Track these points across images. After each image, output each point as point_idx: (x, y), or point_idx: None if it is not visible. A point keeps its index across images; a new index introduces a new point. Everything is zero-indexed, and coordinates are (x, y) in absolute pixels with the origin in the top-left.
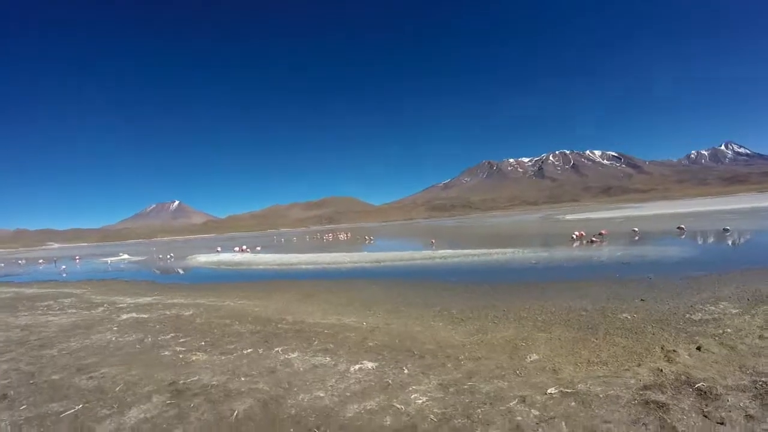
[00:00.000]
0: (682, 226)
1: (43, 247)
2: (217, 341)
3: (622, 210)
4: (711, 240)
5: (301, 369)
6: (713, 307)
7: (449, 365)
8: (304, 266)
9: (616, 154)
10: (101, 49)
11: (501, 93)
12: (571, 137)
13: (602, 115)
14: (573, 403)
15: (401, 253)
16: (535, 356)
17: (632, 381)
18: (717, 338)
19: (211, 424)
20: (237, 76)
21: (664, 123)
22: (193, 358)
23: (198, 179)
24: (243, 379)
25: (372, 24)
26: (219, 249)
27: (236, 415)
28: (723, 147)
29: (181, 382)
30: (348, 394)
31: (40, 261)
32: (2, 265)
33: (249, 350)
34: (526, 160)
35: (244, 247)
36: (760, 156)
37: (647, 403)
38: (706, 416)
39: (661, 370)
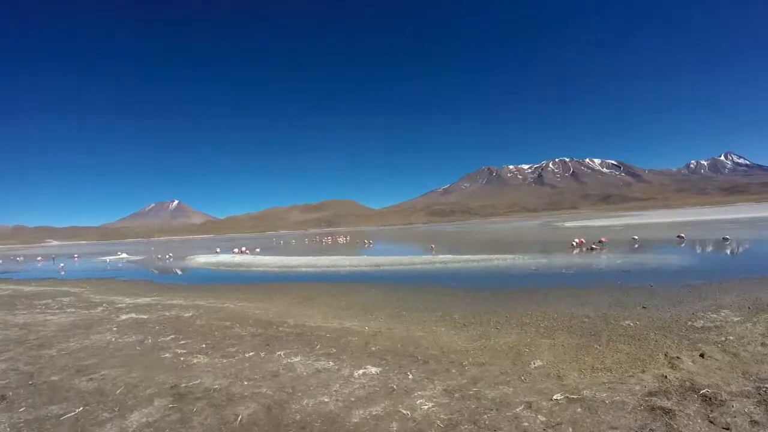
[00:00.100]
0: (682, 234)
1: (42, 244)
2: (218, 344)
3: (622, 218)
4: (711, 249)
5: (305, 373)
6: (715, 315)
7: (453, 371)
8: (303, 269)
9: (615, 163)
10: (102, 48)
11: (501, 99)
12: (570, 145)
13: (602, 124)
14: (579, 409)
15: (401, 258)
16: (539, 362)
17: (637, 387)
18: (719, 345)
19: (214, 429)
20: (237, 77)
21: (663, 132)
22: (195, 360)
23: (197, 179)
24: (246, 383)
25: (372, 25)
26: (218, 250)
27: (240, 420)
28: (722, 157)
29: (183, 385)
30: (353, 399)
31: (39, 258)
32: (0, 261)
33: (251, 353)
34: (525, 166)
35: (244, 248)
36: (760, 167)
37: (653, 409)
38: (711, 422)
39: (666, 377)
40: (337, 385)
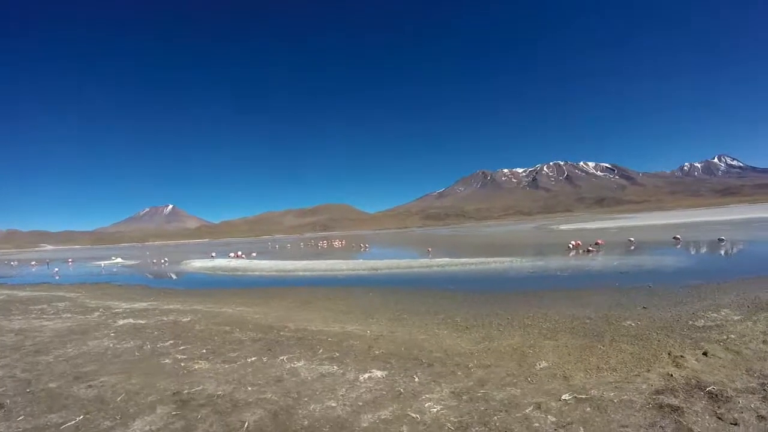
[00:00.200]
0: (678, 236)
1: (36, 248)
2: (218, 349)
3: (616, 221)
4: (707, 250)
5: (309, 378)
6: (715, 314)
7: (459, 373)
8: (300, 273)
9: (609, 166)
10: (97, 50)
11: (496, 102)
12: (565, 148)
13: (596, 127)
14: (588, 409)
15: (398, 261)
16: (544, 363)
17: (644, 386)
18: (722, 344)
19: None
20: (232, 80)
21: (657, 135)
22: (196, 366)
23: (192, 183)
24: (250, 388)
25: (369, 29)
26: (214, 254)
27: (247, 427)
28: (716, 159)
29: (186, 391)
30: (360, 403)
31: (33, 263)
32: None
33: (253, 358)
34: (520, 170)
35: (240, 252)
36: (753, 169)
37: (661, 406)
38: (719, 418)
39: (671, 375)
40: (344, 390)
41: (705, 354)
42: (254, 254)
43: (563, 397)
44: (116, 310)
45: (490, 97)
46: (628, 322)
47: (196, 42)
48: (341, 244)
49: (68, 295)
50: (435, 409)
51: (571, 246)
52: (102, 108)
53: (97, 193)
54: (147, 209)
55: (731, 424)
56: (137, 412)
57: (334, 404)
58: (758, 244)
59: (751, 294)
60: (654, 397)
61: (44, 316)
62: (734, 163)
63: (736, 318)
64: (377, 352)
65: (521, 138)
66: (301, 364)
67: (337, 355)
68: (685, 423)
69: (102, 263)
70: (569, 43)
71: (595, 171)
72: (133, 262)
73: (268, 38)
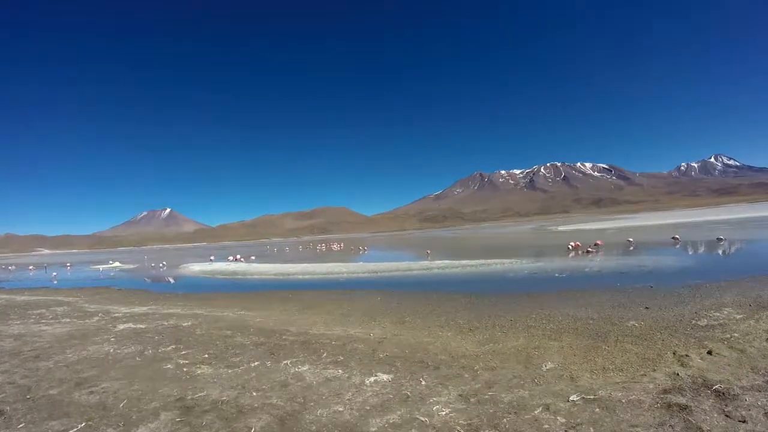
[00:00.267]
0: (677, 236)
1: (33, 252)
2: (220, 354)
3: (614, 221)
4: (706, 249)
5: (314, 382)
6: (717, 313)
7: (466, 375)
8: (300, 276)
9: (606, 166)
10: (95, 53)
11: (493, 104)
12: (562, 149)
13: (594, 127)
14: (597, 409)
15: (397, 264)
16: (550, 364)
17: (651, 386)
18: (726, 342)
19: None
20: (229, 84)
21: (654, 135)
22: (198, 371)
23: (189, 187)
24: (254, 393)
25: (367, 31)
26: (212, 258)
27: None
28: (713, 159)
29: (189, 397)
30: (368, 407)
31: (31, 267)
32: None
33: (256, 363)
34: (517, 171)
35: (238, 256)
36: (750, 168)
37: (670, 406)
38: (727, 416)
39: (678, 374)
40: (350, 394)
41: (710, 353)
42: (253, 257)
43: (571, 398)
44: (116, 315)
45: (487, 99)
46: (632, 323)
47: (194, 45)
48: (340, 247)
49: (67, 299)
50: (444, 412)
51: (570, 247)
52: (99, 111)
53: (94, 197)
54: (144, 213)
55: (739, 421)
56: (140, 418)
57: (341, 409)
58: (757, 243)
59: (752, 293)
60: (662, 396)
61: (43, 321)
62: (731, 162)
63: (738, 317)
64: (382, 355)
65: (518, 139)
66: (305, 368)
67: (342, 358)
68: (694, 421)
69: (100, 267)
70: (566, 45)
71: (592, 172)
72: (131, 266)
73: (267, 41)
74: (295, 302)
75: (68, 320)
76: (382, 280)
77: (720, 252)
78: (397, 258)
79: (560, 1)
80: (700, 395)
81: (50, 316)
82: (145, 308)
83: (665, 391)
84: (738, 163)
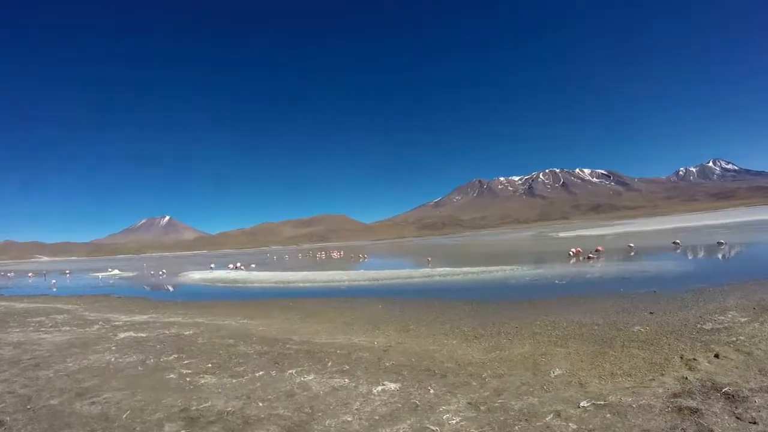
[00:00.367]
0: (678, 240)
1: (32, 260)
2: (224, 363)
3: (613, 227)
4: (707, 253)
5: (321, 392)
6: (722, 317)
7: (474, 383)
8: (301, 284)
9: (605, 172)
10: (93, 59)
11: (491, 111)
12: (560, 156)
13: (591, 133)
14: (608, 415)
15: (398, 272)
16: (558, 371)
17: (660, 390)
18: (732, 345)
19: None
20: (228, 91)
21: (652, 139)
22: (202, 381)
23: (189, 194)
24: (260, 404)
25: (367, 39)
26: (213, 266)
27: None
28: (711, 164)
29: (194, 408)
30: (376, 417)
31: (30, 274)
32: None
33: (261, 373)
34: (516, 178)
35: (239, 264)
36: (748, 171)
37: (680, 409)
38: (738, 417)
39: (686, 378)
40: (358, 403)
41: (717, 356)
42: (253, 265)
43: (582, 404)
44: (116, 323)
45: (485, 106)
46: (637, 328)
47: (193, 49)
48: (339, 254)
49: (66, 307)
50: (454, 421)
51: (571, 253)
52: (97, 117)
53: (93, 204)
54: (144, 220)
55: (750, 422)
56: (144, 429)
57: (349, 419)
58: (757, 247)
59: (756, 296)
60: (672, 400)
61: (42, 329)
62: (729, 166)
63: (743, 320)
64: (388, 364)
65: (517, 146)
66: (311, 377)
67: (347, 367)
68: (705, 424)
69: (99, 275)
70: (562, 50)
71: (591, 178)
72: (130, 274)
73: (265, 49)
74: (297, 311)
75: (68, 328)
76: (384, 288)
77: (721, 256)
78: (398, 266)
79: (560, 1)
80: (709, 398)
81: (50, 324)
82: (145, 316)
83: (675, 395)
84: (736, 167)
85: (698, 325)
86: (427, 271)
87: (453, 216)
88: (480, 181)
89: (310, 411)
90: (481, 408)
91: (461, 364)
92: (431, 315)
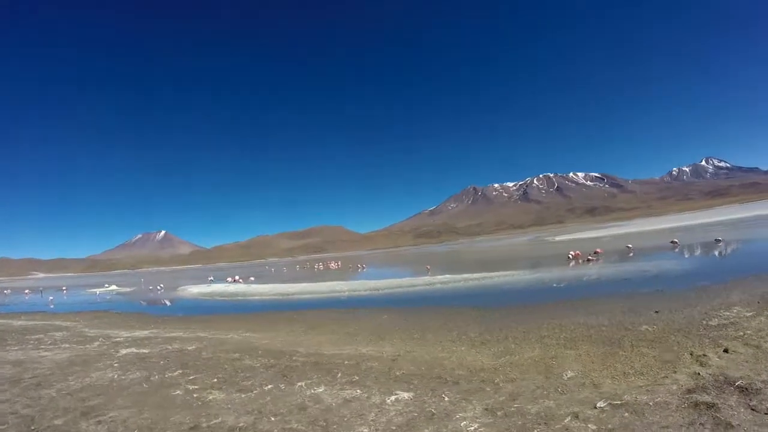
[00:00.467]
0: (676, 240)
1: (28, 276)
2: (230, 377)
3: (609, 229)
4: (706, 251)
5: (334, 404)
6: (727, 313)
7: (488, 389)
8: (302, 296)
9: (599, 175)
10: (87, 73)
11: (483, 118)
12: (554, 160)
13: (584, 137)
14: (626, 414)
15: (399, 280)
16: (570, 373)
17: (674, 387)
18: (740, 340)
19: None
20: (221, 102)
21: (645, 142)
22: (210, 396)
23: (184, 209)
24: (272, 418)
25: (363, 50)
26: (211, 279)
27: None
28: (704, 162)
29: (204, 425)
30: (393, 427)
31: (26, 291)
32: None
33: (269, 386)
34: (510, 184)
35: (237, 277)
36: (740, 169)
37: (697, 404)
38: (753, 409)
39: (699, 374)
40: (373, 414)
41: (726, 351)
42: (252, 278)
43: (598, 405)
44: (117, 339)
45: (477, 112)
46: (644, 327)
47: (186, 63)
48: (338, 265)
49: (65, 324)
50: (472, 428)
51: (570, 256)
52: (91, 133)
53: (88, 220)
54: (139, 235)
55: (766, 414)
56: None
57: (366, 430)
58: (754, 243)
59: (758, 290)
60: (687, 396)
61: (42, 347)
62: (721, 164)
63: (748, 314)
64: (398, 373)
65: (510, 152)
66: (321, 389)
67: (357, 378)
68: (722, 418)
69: (97, 291)
70: (551, 53)
71: (585, 181)
72: (128, 290)
73: (258, 60)
74: (300, 322)
75: (68, 345)
76: (385, 298)
77: (719, 253)
78: (397, 274)
79: (558, 2)
80: (724, 392)
81: (49, 342)
82: (146, 332)
83: (689, 391)
84: (729, 165)
85: (704, 322)
86: (427, 279)
87: (448, 224)
88: (474, 188)
89: (324, 424)
90: (498, 413)
91: (472, 371)
92: (437, 323)
